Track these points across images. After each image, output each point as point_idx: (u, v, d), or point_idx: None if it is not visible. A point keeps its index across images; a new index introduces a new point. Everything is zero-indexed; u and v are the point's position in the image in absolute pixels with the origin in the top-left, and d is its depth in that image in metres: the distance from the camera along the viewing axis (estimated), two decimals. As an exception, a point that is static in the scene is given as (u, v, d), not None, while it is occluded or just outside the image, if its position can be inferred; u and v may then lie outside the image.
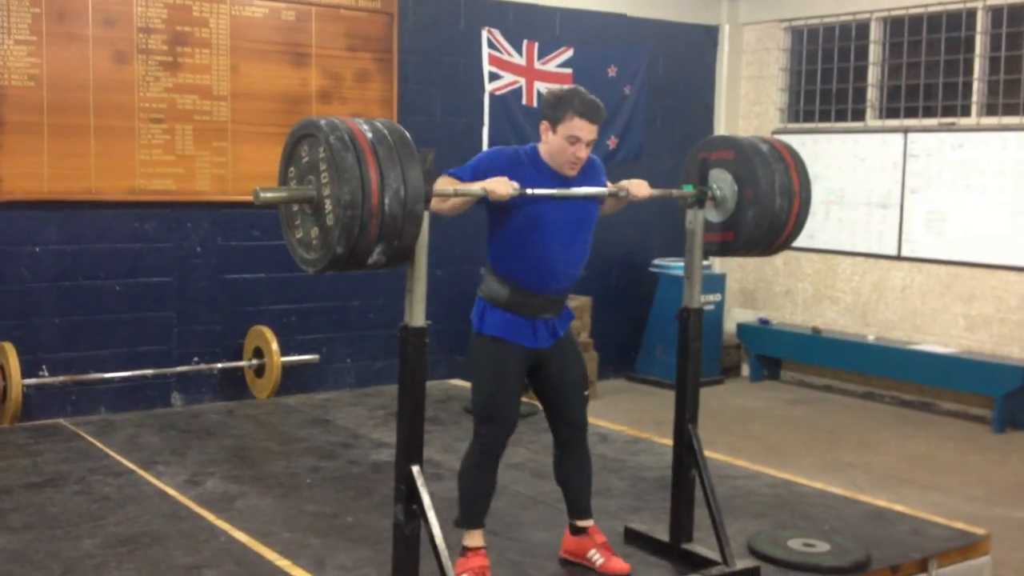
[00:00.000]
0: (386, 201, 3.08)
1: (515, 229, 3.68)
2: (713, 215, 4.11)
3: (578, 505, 3.99)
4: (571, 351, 3.91)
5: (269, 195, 3.20)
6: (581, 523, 3.99)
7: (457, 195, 3.53)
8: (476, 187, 3.54)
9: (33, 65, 6.17)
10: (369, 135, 3.13)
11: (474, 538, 3.82)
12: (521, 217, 3.65)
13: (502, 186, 3.50)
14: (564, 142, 3.65)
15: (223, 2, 6.73)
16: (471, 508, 3.82)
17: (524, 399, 4.06)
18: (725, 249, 4.15)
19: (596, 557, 3.94)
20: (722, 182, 4.06)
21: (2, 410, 6.03)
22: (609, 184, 3.89)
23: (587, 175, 3.80)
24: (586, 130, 3.64)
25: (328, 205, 3.10)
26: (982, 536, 4.52)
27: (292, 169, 3.28)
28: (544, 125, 3.70)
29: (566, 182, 3.72)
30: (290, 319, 7.17)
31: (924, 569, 4.24)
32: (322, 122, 3.15)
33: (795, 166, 4.05)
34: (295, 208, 3.28)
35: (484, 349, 3.77)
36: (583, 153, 3.68)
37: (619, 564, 3.94)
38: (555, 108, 3.67)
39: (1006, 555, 4.72)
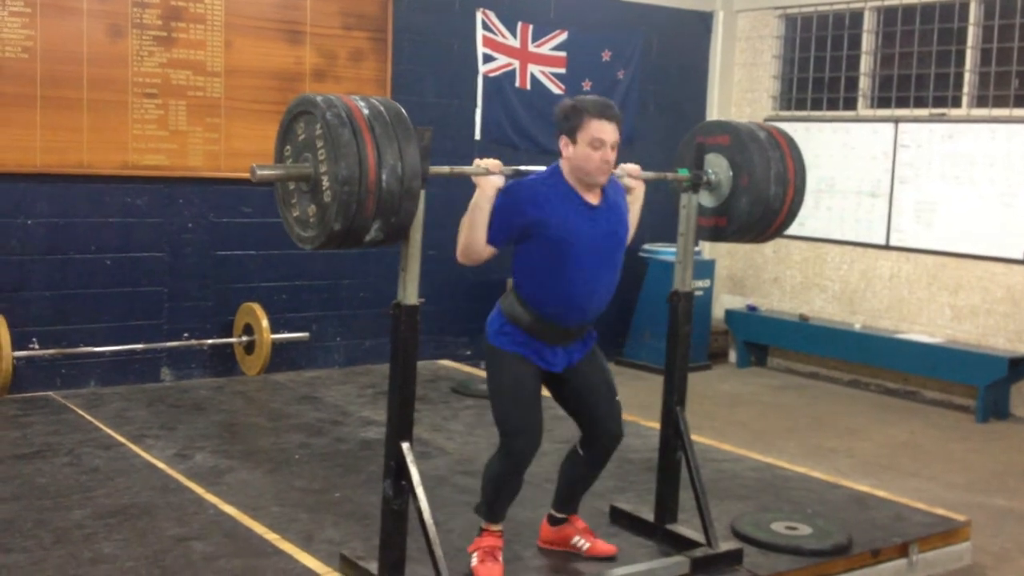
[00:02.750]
0: (383, 177, 3.07)
1: (542, 255, 3.54)
2: (707, 200, 4.13)
3: (568, 503, 3.98)
4: (589, 361, 3.76)
5: (266, 172, 3.19)
6: (562, 515, 4.00)
7: (453, 174, 3.51)
8: (470, 170, 3.51)
9: (27, 37, 6.15)
10: (366, 111, 3.13)
11: (492, 525, 3.81)
12: (549, 243, 3.52)
13: (493, 165, 3.49)
14: (588, 149, 3.50)
15: (218, -22, 6.72)
16: (494, 505, 3.77)
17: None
18: (717, 234, 4.17)
19: (581, 543, 3.95)
20: (717, 167, 4.08)
21: (-8, 382, 6.04)
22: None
23: (609, 199, 3.67)
24: (607, 130, 3.49)
25: (325, 182, 3.10)
26: (962, 522, 4.59)
27: (288, 147, 3.27)
28: (563, 140, 3.55)
29: (592, 208, 3.59)
30: (281, 296, 7.19)
31: (904, 554, 4.29)
32: (318, 99, 3.15)
33: (791, 154, 4.07)
34: (291, 186, 3.28)
35: (498, 362, 3.65)
36: (611, 156, 3.51)
37: (605, 547, 3.96)
38: (569, 118, 3.53)
39: (986, 542, 4.77)
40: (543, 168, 3.69)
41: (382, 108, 3.17)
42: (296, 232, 3.29)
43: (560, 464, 4.00)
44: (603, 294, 3.67)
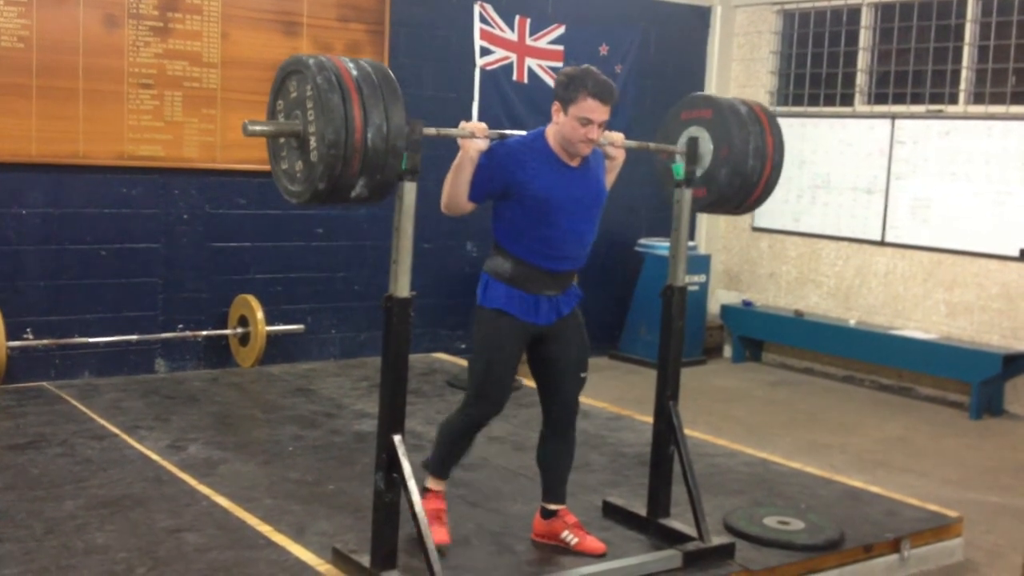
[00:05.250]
0: (369, 137, 3.19)
1: (522, 212, 3.67)
2: None
3: (554, 490, 4.00)
4: (574, 331, 3.87)
5: (257, 128, 3.34)
6: (553, 507, 4.00)
7: (440, 135, 3.55)
8: (456, 132, 3.57)
9: (23, 27, 6.14)
10: (355, 73, 3.25)
11: (437, 483, 3.96)
12: (528, 198, 3.65)
13: (479, 129, 3.57)
14: (576, 123, 3.61)
15: (215, -31, 6.70)
16: (443, 462, 3.94)
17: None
18: (697, 205, 4.21)
19: (570, 537, 3.96)
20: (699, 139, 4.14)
21: (-15, 372, 6.04)
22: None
23: (589, 163, 3.79)
24: (598, 111, 3.60)
25: (313, 142, 3.22)
26: (955, 518, 4.60)
27: (280, 102, 3.41)
28: (556, 106, 3.66)
29: (571, 170, 3.71)
30: (276, 288, 7.18)
31: (897, 549, 4.30)
32: (310, 61, 3.27)
33: (771, 130, 4.13)
34: (281, 140, 3.41)
35: (484, 322, 3.76)
36: (595, 135, 3.64)
37: (594, 543, 3.95)
38: (567, 88, 3.62)
39: (978, 538, 4.78)
40: (526, 132, 3.81)
41: (370, 69, 3.29)
42: (284, 185, 3.41)
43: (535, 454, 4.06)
44: (582, 244, 3.79)
